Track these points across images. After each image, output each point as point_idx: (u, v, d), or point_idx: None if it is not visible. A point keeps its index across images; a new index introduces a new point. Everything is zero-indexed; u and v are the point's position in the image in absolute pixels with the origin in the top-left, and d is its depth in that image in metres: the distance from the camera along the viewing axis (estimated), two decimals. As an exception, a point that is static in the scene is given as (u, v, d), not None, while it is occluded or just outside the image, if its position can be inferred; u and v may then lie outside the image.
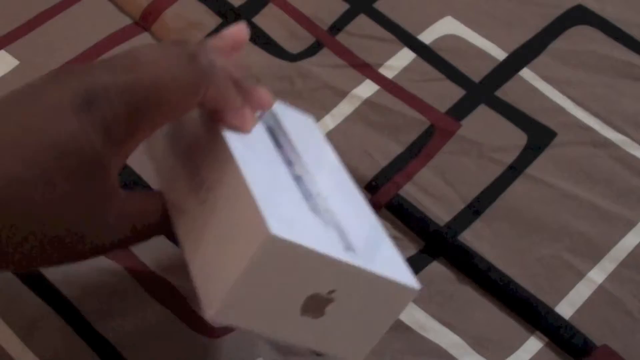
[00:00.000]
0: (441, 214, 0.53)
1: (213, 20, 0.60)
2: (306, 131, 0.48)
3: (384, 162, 0.54)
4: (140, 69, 0.38)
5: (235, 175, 0.40)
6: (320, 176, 0.44)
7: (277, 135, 0.45)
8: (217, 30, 0.59)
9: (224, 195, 0.41)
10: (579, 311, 0.50)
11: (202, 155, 0.43)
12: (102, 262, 0.50)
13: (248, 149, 0.42)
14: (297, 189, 0.42)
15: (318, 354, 0.45)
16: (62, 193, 0.36)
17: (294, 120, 0.48)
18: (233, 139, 0.42)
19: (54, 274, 0.50)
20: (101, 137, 0.37)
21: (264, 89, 0.44)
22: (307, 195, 0.42)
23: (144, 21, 0.60)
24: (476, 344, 0.49)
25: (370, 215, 0.44)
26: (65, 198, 0.37)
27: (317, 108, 0.56)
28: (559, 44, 0.59)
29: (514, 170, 0.55)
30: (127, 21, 0.60)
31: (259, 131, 0.44)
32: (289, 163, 0.44)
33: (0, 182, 0.35)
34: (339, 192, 0.44)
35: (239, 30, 0.43)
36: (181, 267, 0.42)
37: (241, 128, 0.43)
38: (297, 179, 0.43)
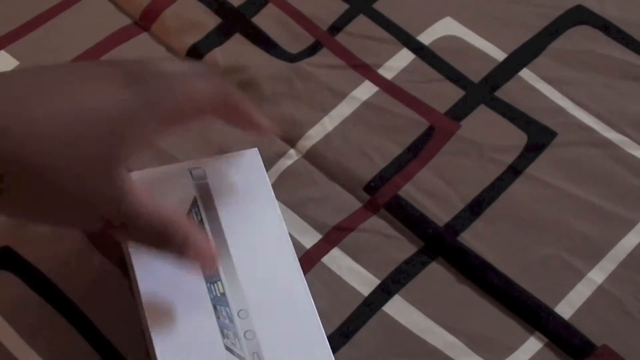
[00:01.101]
0: (441, 214, 0.53)
1: (213, 20, 0.60)
2: (242, 193, 0.49)
3: (383, 163, 0.54)
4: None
5: (147, 324, 0.45)
6: (249, 280, 0.46)
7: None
8: (216, 30, 0.59)
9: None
10: (578, 311, 0.50)
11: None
12: (107, 266, 0.50)
13: (159, 288, 0.45)
14: (214, 323, 0.44)
15: None
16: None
17: (227, 185, 0.49)
18: (145, 280, 0.46)
19: (57, 276, 0.50)
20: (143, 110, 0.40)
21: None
22: (226, 324, 0.44)
23: (144, 21, 0.60)
24: (475, 345, 0.49)
25: (304, 306, 0.46)
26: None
27: (316, 110, 0.56)
28: (558, 44, 0.59)
29: (514, 171, 0.55)
30: (126, 21, 0.60)
31: None
32: (210, 279, 0.46)
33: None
34: (270, 292, 0.46)
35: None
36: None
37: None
38: (218, 300, 0.45)
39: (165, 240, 0.42)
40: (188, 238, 0.43)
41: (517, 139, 0.56)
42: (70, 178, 0.39)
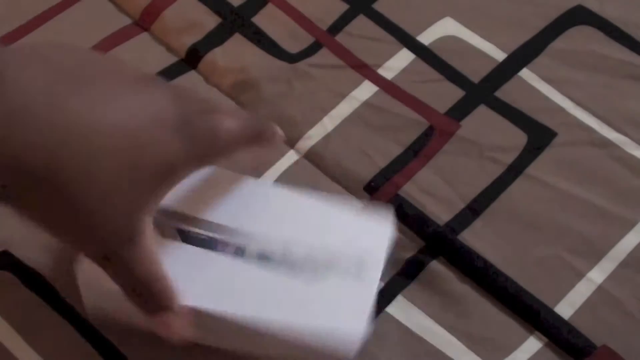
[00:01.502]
0: (441, 213, 0.53)
1: (213, 20, 0.60)
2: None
3: (383, 163, 0.54)
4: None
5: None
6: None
7: (188, 233, 0.46)
8: (216, 30, 0.59)
9: None
10: (578, 311, 0.50)
11: None
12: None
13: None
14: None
15: None
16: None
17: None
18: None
19: (58, 277, 0.50)
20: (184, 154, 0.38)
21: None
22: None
23: (143, 21, 0.60)
24: (475, 344, 0.49)
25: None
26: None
27: (315, 110, 0.56)
28: (558, 44, 0.59)
29: (514, 170, 0.55)
30: (126, 21, 0.60)
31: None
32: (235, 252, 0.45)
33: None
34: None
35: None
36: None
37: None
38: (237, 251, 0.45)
39: (143, 298, 0.40)
40: (164, 308, 0.41)
41: (517, 139, 0.56)
42: (94, 194, 0.36)
